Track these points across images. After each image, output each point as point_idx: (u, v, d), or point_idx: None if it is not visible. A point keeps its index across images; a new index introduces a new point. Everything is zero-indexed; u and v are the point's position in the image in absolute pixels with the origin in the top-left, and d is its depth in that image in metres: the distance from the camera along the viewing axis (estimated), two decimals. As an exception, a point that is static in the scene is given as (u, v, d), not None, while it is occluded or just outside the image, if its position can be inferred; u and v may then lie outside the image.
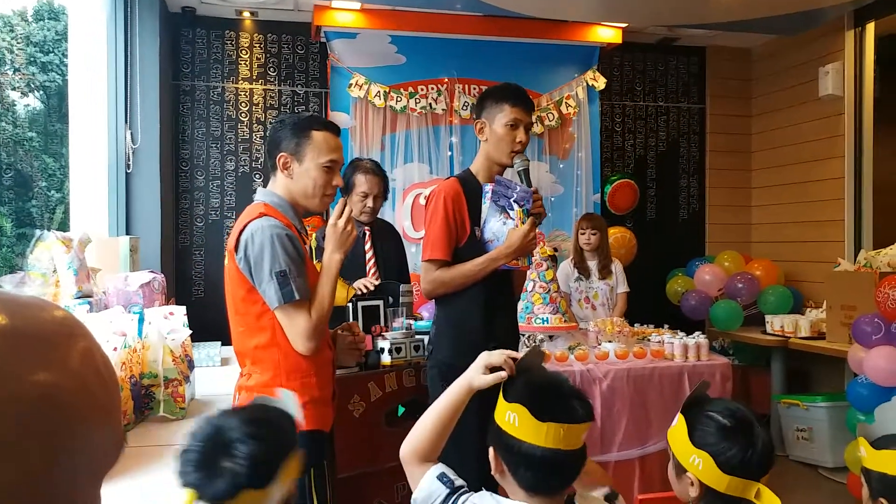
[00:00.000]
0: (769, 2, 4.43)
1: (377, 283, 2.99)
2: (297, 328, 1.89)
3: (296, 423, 1.27)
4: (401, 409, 2.73)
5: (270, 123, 4.48)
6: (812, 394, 4.78)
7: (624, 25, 5.21)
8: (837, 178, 5.13)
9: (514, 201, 2.40)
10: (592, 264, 4.43)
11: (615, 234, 5.38)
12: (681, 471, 1.44)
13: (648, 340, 3.80)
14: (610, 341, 3.74)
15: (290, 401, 1.32)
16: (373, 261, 3.39)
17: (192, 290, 4.90)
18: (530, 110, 2.51)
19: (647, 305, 4.96)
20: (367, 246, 3.39)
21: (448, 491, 1.35)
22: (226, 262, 2.01)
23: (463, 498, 1.33)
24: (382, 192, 3.40)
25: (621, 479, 3.44)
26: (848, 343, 4.15)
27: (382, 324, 2.78)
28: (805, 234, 5.43)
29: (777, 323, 4.82)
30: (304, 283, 1.91)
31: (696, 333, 3.76)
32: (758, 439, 1.38)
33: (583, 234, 4.42)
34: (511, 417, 1.29)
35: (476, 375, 1.40)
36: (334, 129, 2.08)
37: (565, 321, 4.02)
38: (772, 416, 4.83)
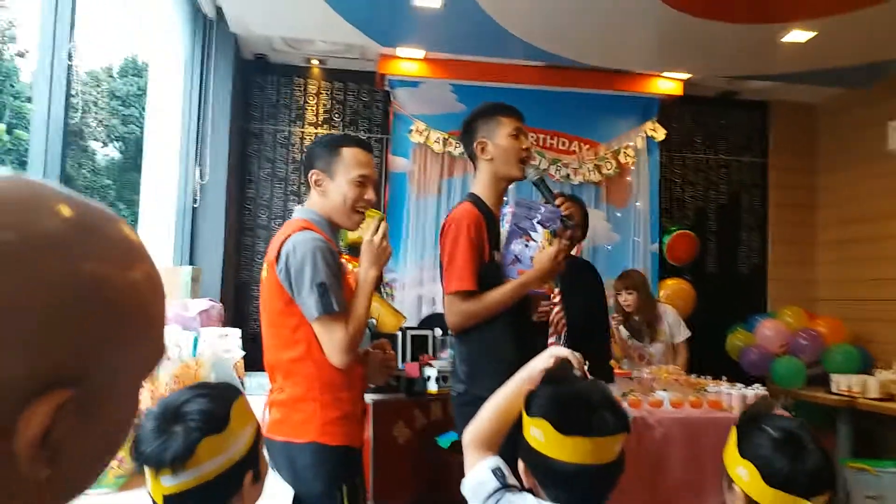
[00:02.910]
0: (837, 52, 4.39)
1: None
2: (334, 341, 1.90)
3: (232, 383, 1.36)
4: (451, 439, 2.68)
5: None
6: (882, 459, 4.51)
7: (685, 77, 5.23)
8: (909, 234, 4.94)
9: (539, 223, 2.32)
10: (640, 326, 4.30)
11: (672, 285, 5.28)
12: (730, 483, 1.39)
13: (706, 391, 3.68)
14: (665, 390, 3.63)
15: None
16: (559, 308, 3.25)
17: (249, 323, 5.01)
18: (524, 120, 2.44)
19: (706, 360, 4.78)
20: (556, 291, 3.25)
21: (499, 485, 1.32)
22: (264, 274, 2.05)
23: (510, 497, 1.30)
24: (582, 218, 3.29)
25: (674, 535, 3.29)
26: (921, 405, 3.93)
27: (430, 353, 2.78)
28: (874, 293, 5.21)
29: (844, 382, 4.60)
30: (342, 296, 1.93)
31: (756, 385, 3.62)
32: (809, 456, 1.31)
33: (619, 295, 4.31)
34: (535, 433, 1.25)
35: (540, 365, 1.39)
36: (365, 146, 2.13)
37: (620, 367, 3.95)
38: (839, 482, 4.57)
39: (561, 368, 1.38)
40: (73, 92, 2.64)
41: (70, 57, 2.60)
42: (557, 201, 2.37)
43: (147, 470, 1.21)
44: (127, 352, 0.50)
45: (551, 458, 1.22)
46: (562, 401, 1.27)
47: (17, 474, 0.44)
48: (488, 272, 2.29)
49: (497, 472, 1.35)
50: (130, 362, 0.51)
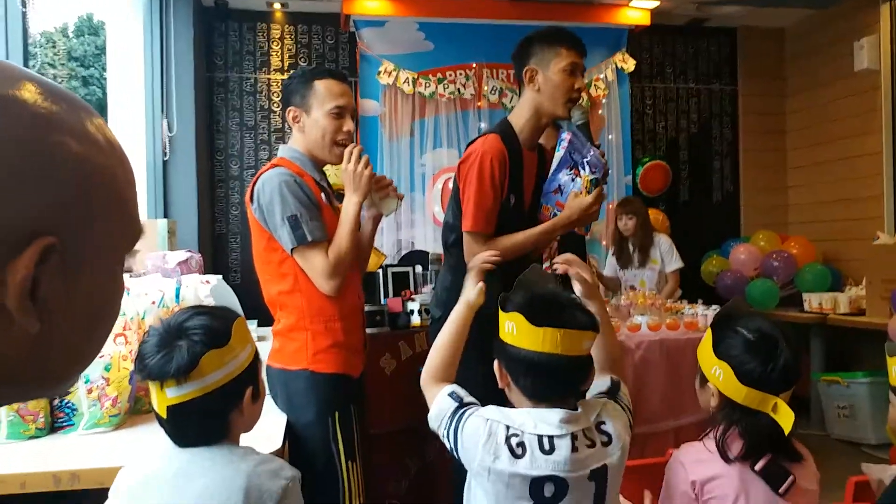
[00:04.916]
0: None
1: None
2: (315, 268, 1.92)
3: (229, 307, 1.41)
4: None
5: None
6: (853, 371, 4.68)
7: (653, 6, 5.19)
8: (875, 153, 5.03)
9: (588, 163, 2.18)
10: (634, 252, 4.39)
11: (647, 216, 5.34)
12: (703, 381, 1.46)
13: (682, 314, 3.77)
14: (642, 314, 3.72)
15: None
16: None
17: (228, 275, 5.00)
18: (585, 55, 2.25)
19: (683, 287, 4.89)
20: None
21: (456, 405, 1.38)
22: (249, 215, 2.07)
23: (470, 410, 1.35)
24: None
25: (655, 452, 3.42)
26: (889, 317, 4.06)
27: (412, 289, 2.81)
28: (843, 212, 5.32)
29: (815, 300, 4.74)
30: (319, 225, 1.94)
31: (726, 304, 3.71)
32: (780, 355, 1.39)
33: (620, 220, 4.40)
34: (509, 327, 1.32)
35: (469, 292, 1.44)
36: (339, 76, 2.08)
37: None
38: (812, 395, 4.74)
39: (532, 272, 1.43)
40: (29, 40, 2.56)
41: (24, 4, 2.52)
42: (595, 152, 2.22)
43: (151, 384, 1.25)
44: (102, 216, 0.53)
45: (523, 349, 1.29)
46: (534, 297, 1.34)
47: (10, 328, 0.47)
48: (503, 216, 2.19)
49: (453, 395, 1.40)
50: (106, 229, 0.54)
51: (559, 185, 2.23)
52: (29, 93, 0.50)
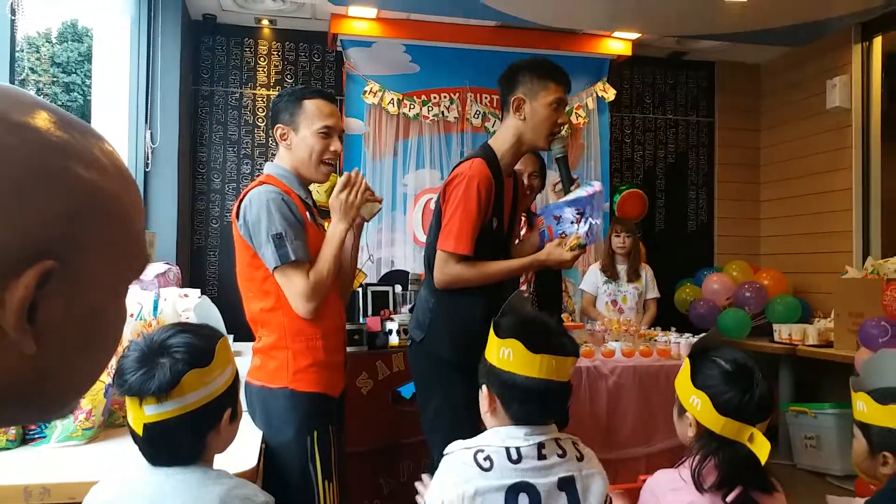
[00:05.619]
0: (776, 12, 4.52)
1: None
2: (294, 289, 1.93)
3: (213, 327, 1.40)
4: (411, 390, 2.76)
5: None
6: (820, 402, 4.77)
7: (634, 38, 5.31)
8: (845, 189, 5.16)
9: (591, 225, 2.22)
10: (622, 268, 4.49)
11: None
12: (681, 411, 1.50)
13: (655, 341, 3.83)
14: (616, 340, 3.77)
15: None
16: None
17: (206, 289, 4.98)
18: (570, 90, 2.33)
19: (656, 314, 4.97)
20: (523, 232, 3.17)
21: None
22: (234, 231, 2.07)
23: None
24: (540, 170, 3.33)
25: (626, 478, 3.45)
26: (856, 350, 4.15)
27: (391, 308, 2.83)
28: (813, 246, 5.45)
29: (785, 331, 4.83)
30: (302, 245, 1.94)
31: (703, 334, 3.77)
32: (756, 386, 1.43)
33: (617, 236, 4.50)
34: (505, 353, 1.35)
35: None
36: (328, 97, 2.11)
37: (572, 320, 4.07)
38: (780, 424, 4.81)
39: (517, 297, 1.47)
40: (17, 48, 2.57)
41: (13, 12, 2.53)
42: (573, 186, 2.28)
43: (129, 400, 1.24)
44: (105, 241, 0.53)
45: (520, 374, 1.32)
46: (529, 324, 1.39)
47: (7, 349, 0.48)
48: (485, 238, 2.22)
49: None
50: (110, 254, 0.54)
51: (560, 216, 2.27)
52: (42, 120, 0.51)
